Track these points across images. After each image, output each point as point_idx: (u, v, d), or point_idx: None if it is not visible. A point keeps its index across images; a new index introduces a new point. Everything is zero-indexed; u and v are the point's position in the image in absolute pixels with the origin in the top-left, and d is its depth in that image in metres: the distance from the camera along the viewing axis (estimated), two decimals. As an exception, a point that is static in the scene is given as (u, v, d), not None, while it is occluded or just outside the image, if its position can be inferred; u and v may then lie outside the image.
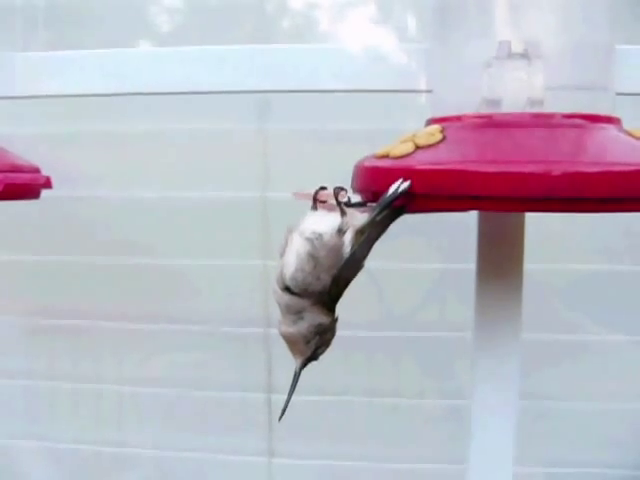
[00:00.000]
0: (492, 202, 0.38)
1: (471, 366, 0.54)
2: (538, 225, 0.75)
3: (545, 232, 0.76)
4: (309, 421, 0.83)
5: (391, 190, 0.40)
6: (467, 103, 0.47)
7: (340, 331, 0.78)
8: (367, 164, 0.45)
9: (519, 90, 0.48)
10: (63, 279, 0.83)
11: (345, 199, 0.41)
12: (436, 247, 0.80)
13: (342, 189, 0.41)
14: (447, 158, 0.40)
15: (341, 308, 0.75)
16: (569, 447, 0.80)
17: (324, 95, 0.76)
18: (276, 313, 0.81)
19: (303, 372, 0.79)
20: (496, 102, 0.48)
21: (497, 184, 0.37)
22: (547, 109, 0.46)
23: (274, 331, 0.80)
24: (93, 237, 0.81)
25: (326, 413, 0.83)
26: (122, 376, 0.84)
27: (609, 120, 0.45)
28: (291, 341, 0.40)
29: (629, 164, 0.38)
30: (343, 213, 0.40)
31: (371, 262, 0.77)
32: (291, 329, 0.40)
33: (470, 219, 0.51)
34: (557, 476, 0.81)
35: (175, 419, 0.83)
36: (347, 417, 0.83)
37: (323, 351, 0.41)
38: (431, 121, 0.48)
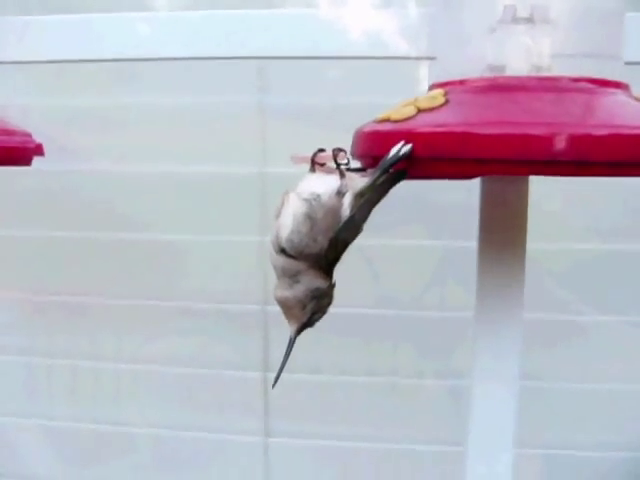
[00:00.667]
0: (495, 165, 0.37)
1: (472, 346, 0.52)
2: (536, 205, 0.75)
3: (543, 212, 0.75)
4: (306, 401, 0.82)
5: (392, 153, 0.38)
6: (471, 69, 0.46)
7: (338, 309, 0.78)
8: (367, 129, 0.43)
9: (524, 56, 0.46)
10: (59, 255, 0.82)
11: (344, 161, 0.40)
12: (436, 226, 0.78)
13: (341, 150, 0.40)
14: (450, 120, 0.39)
15: (339, 288, 0.75)
16: (568, 429, 0.79)
17: (323, 68, 0.75)
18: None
19: (300, 352, 0.79)
20: (500, 68, 0.46)
21: (501, 146, 0.36)
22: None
23: (271, 309, 0.80)
24: (89, 212, 0.80)
25: (323, 393, 0.82)
26: (120, 354, 0.83)
27: (618, 85, 0.44)
28: (287, 306, 0.39)
29: (638, 127, 0.37)
30: (342, 175, 0.39)
31: (368, 240, 0.76)
32: (287, 293, 0.39)
33: (471, 199, 0.50)
34: (556, 458, 0.80)
35: (171, 398, 0.82)
36: (344, 397, 0.82)
37: (319, 317, 0.40)
38: (434, 86, 0.46)
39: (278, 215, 0.39)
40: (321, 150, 0.41)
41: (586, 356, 0.78)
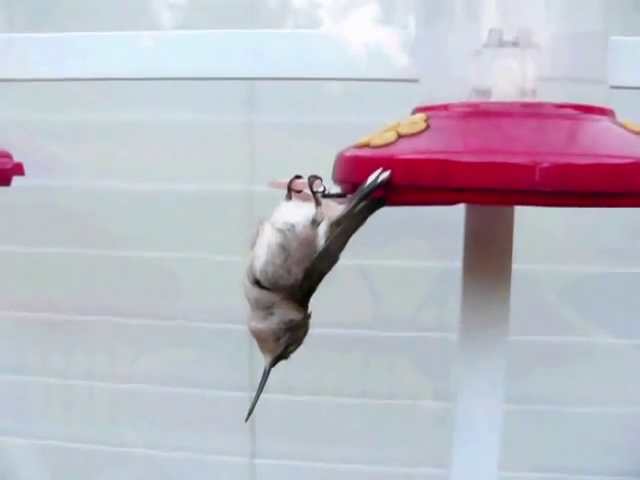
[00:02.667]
0: (476, 194, 0.36)
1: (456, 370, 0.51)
2: (536, 225, 0.74)
3: (543, 232, 0.75)
4: (294, 421, 0.81)
5: (369, 180, 0.37)
6: (456, 93, 0.45)
7: (335, 329, 0.77)
8: (347, 154, 0.43)
9: (510, 80, 0.46)
10: (48, 272, 0.81)
11: (320, 188, 0.39)
12: (435, 245, 0.77)
13: (317, 178, 0.39)
14: (430, 147, 0.38)
15: (335, 307, 0.74)
16: (564, 453, 0.78)
17: (312, 87, 0.75)
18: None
19: (295, 371, 0.78)
20: (486, 92, 0.46)
21: (481, 175, 0.35)
22: (539, 100, 0.44)
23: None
24: (77, 229, 0.79)
25: (315, 414, 0.81)
26: (97, 372, 0.81)
27: (602, 112, 0.43)
28: (260, 338, 0.38)
29: (622, 157, 0.36)
30: (318, 203, 0.38)
31: (366, 259, 0.76)
32: (260, 325, 0.38)
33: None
34: None
35: (156, 417, 0.81)
36: (338, 418, 0.81)
37: (294, 349, 0.39)
38: (416, 110, 0.45)
39: (253, 245, 0.38)
40: (298, 177, 0.40)
41: (586, 379, 0.77)
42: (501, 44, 0.46)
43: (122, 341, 0.80)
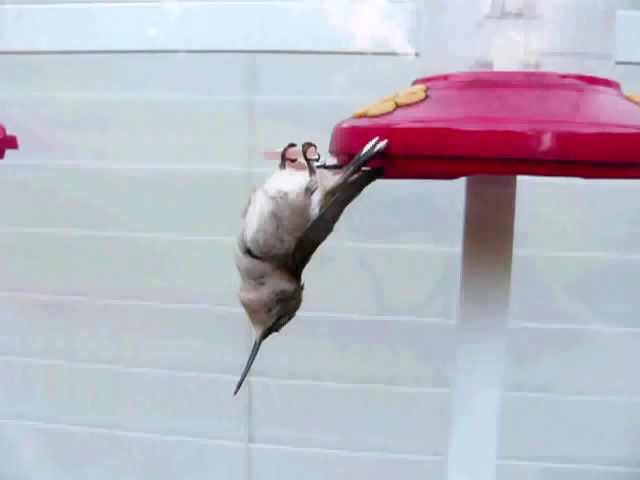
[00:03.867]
0: (474, 163, 0.34)
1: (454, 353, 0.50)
2: (539, 212, 0.73)
3: (549, 220, 0.73)
4: (293, 407, 0.80)
5: (366, 149, 0.36)
6: (458, 67, 0.44)
7: (339, 314, 0.75)
8: (344, 125, 0.41)
9: (512, 52, 0.44)
10: (49, 253, 0.80)
11: (315, 156, 0.38)
12: (440, 232, 0.76)
13: (311, 145, 0.38)
14: (427, 116, 0.37)
15: (340, 294, 0.73)
16: (566, 442, 0.77)
17: (314, 65, 0.73)
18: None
19: (297, 356, 0.77)
20: (488, 65, 0.45)
21: (481, 144, 0.34)
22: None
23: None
24: (76, 211, 0.78)
25: (318, 399, 0.80)
26: (98, 356, 0.81)
27: (607, 83, 0.42)
28: (251, 309, 0.37)
29: (627, 126, 0.35)
30: (312, 171, 0.37)
31: (371, 245, 0.74)
32: (251, 295, 0.37)
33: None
34: (552, 471, 0.78)
35: (153, 401, 0.80)
36: (338, 404, 0.80)
37: (286, 321, 0.38)
38: (417, 82, 0.44)
39: (244, 214, 0.37)
40: (292, 145, 0.39)
41: (589, 367, 0.76)
42: (504, 15, 0.45)
43: (114, 325, 0.79)
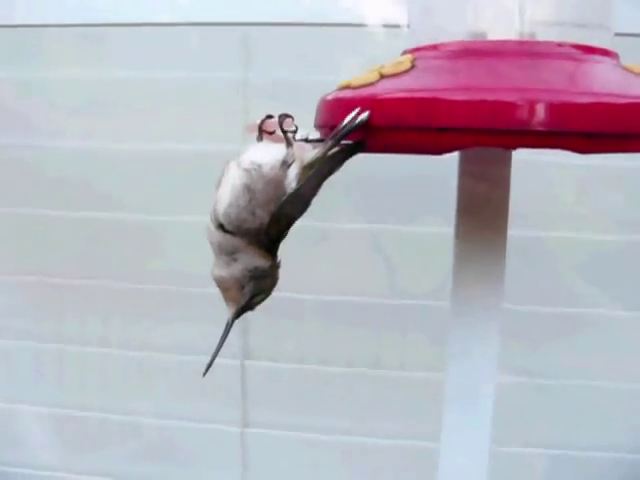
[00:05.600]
0: (462, 135, 0.33)
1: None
2: (552, 193, 0.71)
3: (560, 201, 0.71)
4: (300, 392, 0.78)
5: (346, 121, 0.35)
6: (449, 38, 0.42)
7: (351, 297, 0.73)
8: (328, 97, 0.40)
9: (506, 22, 0.42)
10: (54, 236, 0.78)
11: (292, 127, 0.36)
12: (449, 214, 0.74)
13: (288, 116, 0.36)
14: (412, 86, 0.35)
15: (351, 276, 0.71)
16: (576, 429, 0.75)
17: (307, 43, 0.71)
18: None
19: (306, 341, 0.75)
20: (481, 35, 0.42)
21: (467, 114, 0.32)
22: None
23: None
24: (69, 191, 0.77)
25: (327, 385, 0.78)
26: (93, 339, 0.80)
27: (605, 53, 0.40)
28: (223, 286, 0.36)
29: (622, 96, 0.33)
30: (289, 144, 0.35)
31: (384, 227, 0.72)
32: (223, 272, 0.35)
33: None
34: (562, 458, 0.76)
35: (148, 385, 0.79)
36: (346, 389, 0.78)
37: (261, 300, 0.36)
38: (406, 52, 0.42)
39: (218, 186, 0.35)
40: (269, 117, 0.37)
41: (600, 352, 0.73)
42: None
43: (106, 308, 0.78)
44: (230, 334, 0.76)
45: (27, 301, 0.80)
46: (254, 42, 0.73)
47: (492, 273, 0.47)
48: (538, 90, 0.33)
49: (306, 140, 0.38)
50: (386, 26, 0.54)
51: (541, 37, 0.41)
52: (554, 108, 0.32)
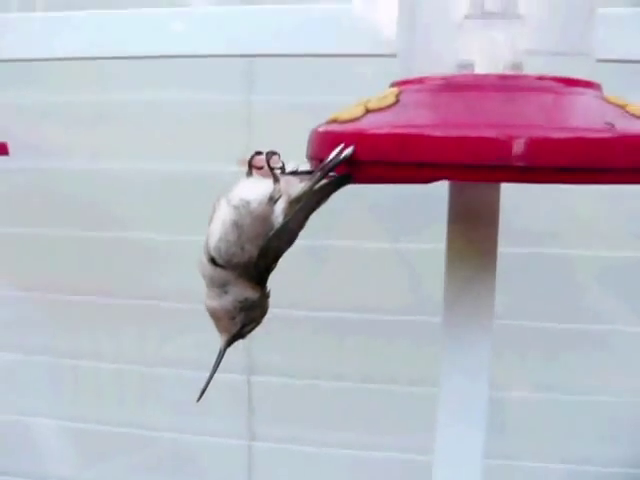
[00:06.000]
0: (439, 170, 0.34)
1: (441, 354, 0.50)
2: (569, 209, 0.71)
3: (577, 217, 0.72)
4: (299, 406, 0.80)
5: (331, 156, 0.36)
6: (438, 68, 0.43)
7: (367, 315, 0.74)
8: (317, 129, 0.41)
9: (494, 53, 0.44)
10: (64, 255, 0.80)
11: (279, 164, 0.38)
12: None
13: (274, 153, 0.38)
14: (393, 121, 0.36)
15: (373, 292, 0.72)
16: (594, 443, 0.75)
17: (310, 65, 0.73)
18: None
19: (320, 355, 0.76)
20: (470, 66, 0.44)
21: (444, 150, 0.33)
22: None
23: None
24: (79, 211, 0.79)
25: (342, 399, 0.79)
26: (100, 354, 0.82)
27: (587, 84, 0.41)
28: (215, 316, 0.38)
29: (598, 131, 0.34)
30: (276, 180, 0.37)
31: (402, 244, 0.73)
32: (215, 303, 0.37)
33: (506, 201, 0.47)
34: (580, 474, 0.76)
35: (155, 399, 0.81)
36: (363, 404, 0.79)
37: (252, 329, 0.38)
38: (393, 84, 0.44)
39: (210, 221, 0.37)
40: (258, 153, 0.39)
41: (617, 368, 0.74)
42: (484, 15, 0.44)
43: (115, 325, 0.80)
44: (236, 351, 0.78)
45: (43, 316, 0.82)
46: (257, 65, 0.75)
47: (483, 290, 0.48)
48: (513, 126, 0.34)
49: (295, 172, 0.39)
50: (383, 56, 0.55)
51: (528, 67, 0.43)
52: (527, 143, 0.33)
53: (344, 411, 0.78)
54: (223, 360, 0.79)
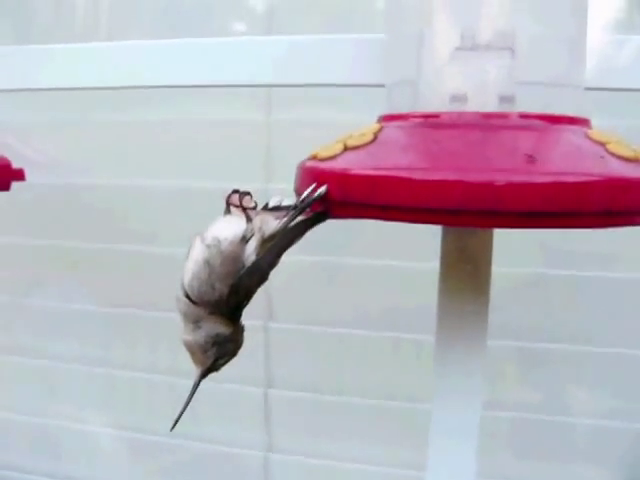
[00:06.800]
0: (402, 213, 0.35)
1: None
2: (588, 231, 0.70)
3: (596, 238, 0.71)
4: (315, 419, 0.81)
5: (304, 195, 0.37)
6: (431, 101, 0.44)
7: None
8: (300, 165, 0.42)
9: (486, 85, 0.44)
10: (109, 267, 0.83)
11: (251, 204, 0.39)
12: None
13: (247, 194, 0.39)
14: (363, 162, 0.37)
15: (374, 310, 0.72)
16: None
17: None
18: (277, 307, 0.80)
19: (319, 368, 0.77)
20: (462, 99, 0.44)
21: (403, 193, 0.34)
22: (520, 106, 0.42)
23: (274, 325, 0.79)
24: (111, 225, 0.82)
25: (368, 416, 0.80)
26: (126, 362, 0.84)
27: (572, 121, 0.41)
28: (190, 350, 0.39)
29: (559, 174, 0.34)
30: (248, 219, 0.38)
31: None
32: (189, 337, 0.38)
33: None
34: None
35: (175, 408, 0.83)
36: (354, 418, 0.80)
37: (225, 362, 0.39)
38: (380, 118, 0.44)
39: (186, 258, 0.38)
40: (236, 191, 0.40)
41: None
42: (475, 48, 0.44)
43: (133, 333, 0.83)
44: (254, 364, 0.79)
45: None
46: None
47: (476, 310, 0.48)
48: (472, 169, 0.34)
49: (277, 208, 0.40)
50: (360, 85, 0.56)
51: (521, 97, 0.42)
52: (482, 188, 0.33)
53: (361, 426, 0.79)
54: (241, 372, 0.81)
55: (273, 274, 0.84)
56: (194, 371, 0.74)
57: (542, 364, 0.75)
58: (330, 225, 0.68)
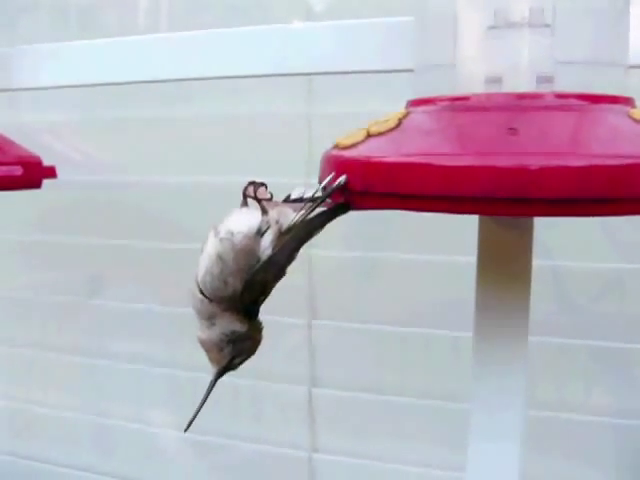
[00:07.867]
0: (423, 202, 0.32)
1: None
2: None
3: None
4: (360, 419, 0.79)
5: (321, 185, 0.35)
6: (466, 83, 0.41)
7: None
8: (325, 154, 0.40)
9: (522, 66, 0.41)
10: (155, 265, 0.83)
11: (267, 195, 0.37)
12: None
13: (262, 184, 0.37)
14: (385, 149, 0.35)
15: (421, 309, 0.70)
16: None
17: (370, 77, 0.72)
18: (322, 303, 0.79)
19: (364, 367, 0.76)
20: (497, 80, 0.41)
21: (424, 181, 0.32)
22: (559, 87, 0.39)
23: (317, 322, 0.78)
24: (159, 224, 0.82)
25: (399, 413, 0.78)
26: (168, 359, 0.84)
27: (614, 100, 0.37)
28: (205, 348, 0.37)
29: (598, 156, 0.31)
30: (264, 212, 0.36)
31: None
32: (204, 335, 0.37)
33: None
34: None
35: (218, 406, 0.82)
36: (402, 418, 0.78)
37: (243, 360, 0.38)
38: (409, 103, 0.42)
39: (201, 252, 0.37)
40: (252, 183, 0.38)
41: None
42: (509, 25, 0.41)
43: (174, 332, 0.82)
44: (298, 363, 0.78)
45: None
46: (317, 77, 0.74)
47: (516, 306, 0.45)
48: (505, 154, 0.32)
49: (300, 200, 0.38)
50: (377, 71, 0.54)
51: (560, 79, 0.40)
52: (512, 174, 0.31)
53: (406, 426, 0.77)
54: (286, 372, 0.80)
55: (315, 271, 0.83)
56: (242, 370, 0.75)
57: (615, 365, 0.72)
58: (371, 219, 0.66)
